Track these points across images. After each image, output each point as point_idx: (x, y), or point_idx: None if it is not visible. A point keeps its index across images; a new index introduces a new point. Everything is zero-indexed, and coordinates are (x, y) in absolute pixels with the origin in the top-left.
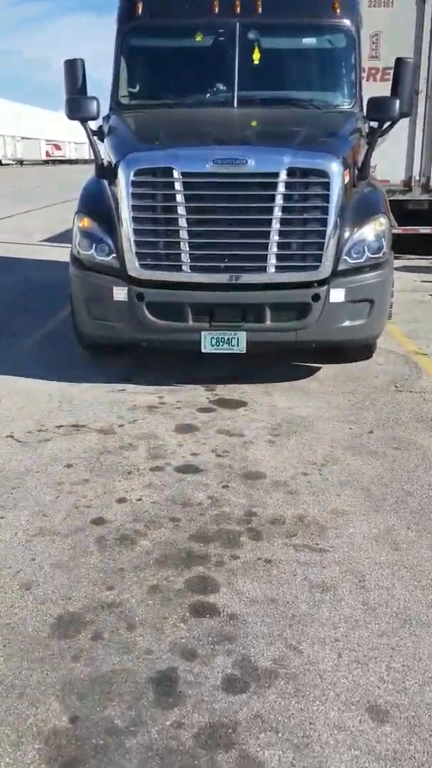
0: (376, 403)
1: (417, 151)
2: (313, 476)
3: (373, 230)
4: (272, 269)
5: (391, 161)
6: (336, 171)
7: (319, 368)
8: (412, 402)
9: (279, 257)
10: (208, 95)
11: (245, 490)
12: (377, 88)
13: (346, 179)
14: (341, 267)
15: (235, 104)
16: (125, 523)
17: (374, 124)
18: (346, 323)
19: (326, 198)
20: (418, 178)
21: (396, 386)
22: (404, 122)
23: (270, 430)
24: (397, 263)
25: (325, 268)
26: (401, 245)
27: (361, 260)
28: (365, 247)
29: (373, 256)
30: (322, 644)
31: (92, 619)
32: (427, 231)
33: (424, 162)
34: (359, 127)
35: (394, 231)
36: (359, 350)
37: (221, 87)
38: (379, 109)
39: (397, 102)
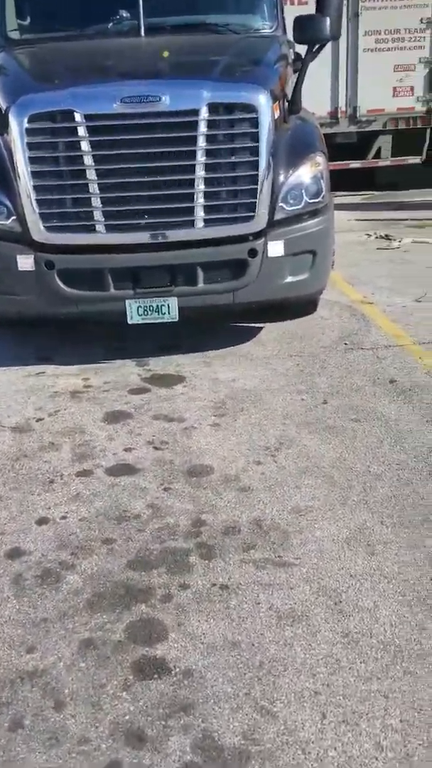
0: (326, 366)
1: (342, 79)
2: (268, 465)
3: (310, 171)
4: (200, 223)
5: (315, 92)
6: (264, 104)
7: (260, 329)
8: (365, 361)
9: (207, 209)
10: (111, 24)
11: (191, 491)
12: (295, 13)
13: (276, 114)
14: (278, 216)
15: (143, 33)
16: (48, 552)
17: (300, 49)
18: (288, 279)
19: (255, 136)
20: (344, 108)
21: (346, 343)
22: (327, 48)
23: (214, 410)
24: None
25: (261, 219)
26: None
27: (299, 207)
28: (303, 192)
29: (312, 201)
30: (300, 701)
31: (9, 699)
32: (357, 165)
33: (350, 91)
34: (285, 53)
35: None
36: (302, 306)
37: (125, 14)
38: (306, 29)
39: (327, 20)
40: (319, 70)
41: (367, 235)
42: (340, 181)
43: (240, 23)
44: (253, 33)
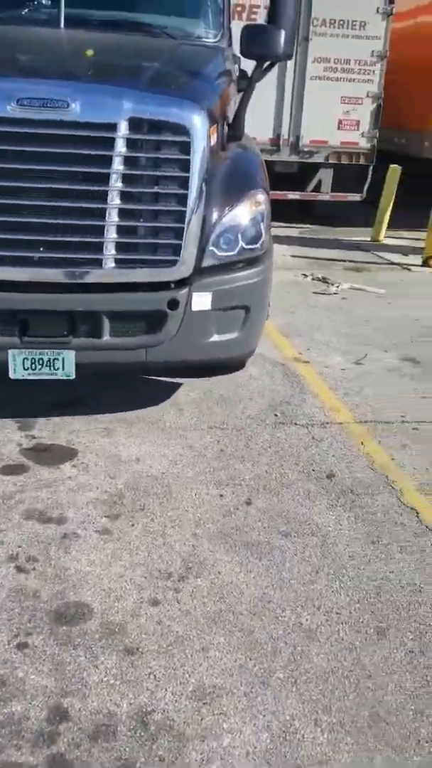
0: (252, 447)
1: (287, 105)
2: (167, 607)
3: (249, 211)
4: (110, 263)
5: (258, 116)
6: (199, 126)
7: (177, 386)
8: (298, 443)
9: (120, 247)
10: (25, 11)
11: (55, 652)
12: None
13: (213, 139)
14: (207, 262)
15: (62, 24)
16: None
17: (246, 65)
18: (214, 338)
19: (186, 165)
20: (287, 136)
21: (276, 415)
22: (274, 70)
23: (106, 508)
24: None
25: (186, 264)
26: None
27: (233, 253)
28: (239, 235)
29: (249, 246)
30: None
31: None
32: (296, 197)
33: (294, 119)
34: (229, 69)
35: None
36: (228, 369)
37: (43, 1)
38: (255, 42)
39: (281, 33)
40: (264, 92)
41: (304, 275)
42: (277, 210)
43: (179, 27)
44: (193, 41)
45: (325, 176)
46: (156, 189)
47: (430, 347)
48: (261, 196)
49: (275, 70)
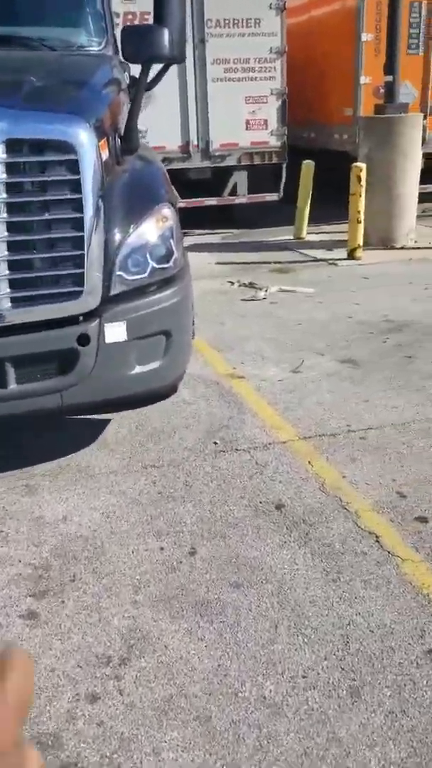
0: (192, 484)
1: (192, 111)
2: (108, 703)
3: (156, 228)
4: (5, 303)
5: (164, 124)
6: (87, 142)
7: (105, 422)
8: (241, 472)
9: (14, 283)
10: None
11: None
12: None
13: (105, 154)
14: (116, 289)
15: None
16: None
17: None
18: (136, 370)
19: (76, 185)
20: (196, 142)
21: (215, 442)
22: (173, 77)
23: (31, 585)
24: (185, 241)
25: (92, 294)
26: (187, 220)
27: (144, 275)
28: (147, 256)
29: (160, 266)
30: None
31: None
32: (213, 203)
33: (200, 124)
34: (116, 77)
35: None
36: (158, 398)
37: None
38: (137, 43)
39: (165, 32)
40: (167, 99)
41: (230, 282)
42: (197, 218)
43: (58, 38)
44: (75, 51)
45: (240, 179)
46: (47, 216)
47: (365, 345)
48: (167, 210)
49: (175, 75)
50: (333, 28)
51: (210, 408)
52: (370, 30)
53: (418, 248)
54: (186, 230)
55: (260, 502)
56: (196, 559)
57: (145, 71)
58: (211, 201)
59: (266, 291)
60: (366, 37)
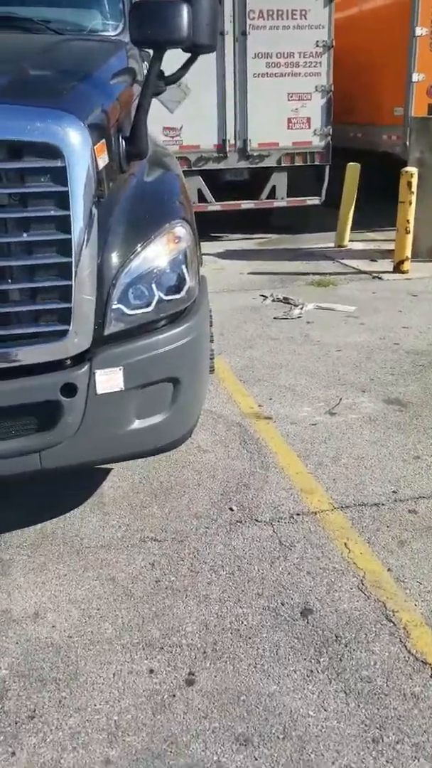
0: (198, 568)
1: (230, 108)
2: None
3: (167, 251)
4: None
5: (200, 121)
6: (78, 144)
7: (105, 472)
8: (260, 555)
9: None
10: None
11: None
12: None
13: (103, 159)
14: (112, 327)
15: None
16: None
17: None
18: (134, 425)
19: (63, 199)
20: (233, 141)
21: (232, 508)
22: (212, 71)
23: None
24: (218, 247)
25: (81, 333)
26: (221, 223)
27: (149, 309)
28: (153, 285)
29: (170, 297)
30: None
31: None
32: (250, 206)
33: (239, 122)
34: (130, 67)
35: (211, 208)
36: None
37: None
38: (149, 23)
39: (184, 11)
40: (203, 95)
41: (263, 296)
42: (232, 222)
43: (66, 20)
44: (85, 35)
45: (279, 181)
46: (25, 237)
47: (416, 382)
48: (181, 229)
49: (213, 69)
50: (384, 22)
51: (229, 459)
52: (425, 24)
53: None
54: (219, 234)
55: (282, 604)
56: (194, 691)
57: (157, 58)
58: (248, 204)
59: (302, 308)
60: (420, 31)
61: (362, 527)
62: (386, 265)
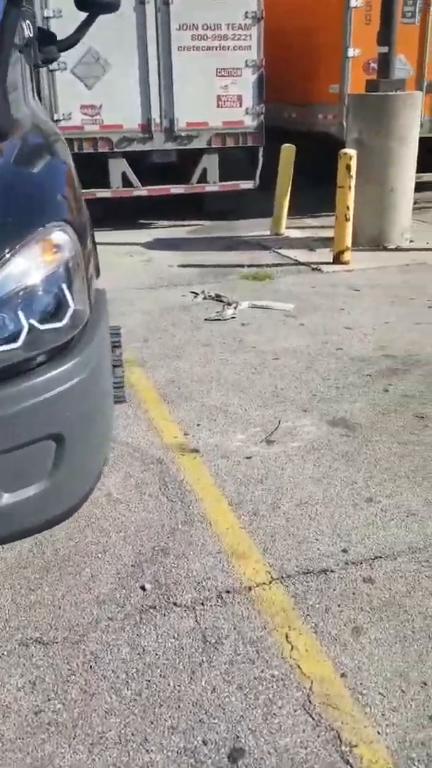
0: (94, 692)
1: (153, 84)
2: None
3: (39, 264)
4: None
5: (122, 99)
6: None
7: None
8: (178, 660)
9: None
10: None
11: None
12: None
13: None
14: None
15: None
16: None
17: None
18: (1, 500)
19: None
20: (159, 121)
21: (143, 587)
22: (132, 45)
23: None
24: (146, 236)
25: None
26: (150, 210)
27: (15, 344)
28: (19, 311)
29: (45, 326)
30: None
31: None
32: (180, 191)
33: (164, 99)
34: None
35: (137, 193)
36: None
37: None
38: None
39: None
40: (124, 72)
41: (194, 294)
42: (161, 208)
43: None
44: None
45: (210, 163)
46: None
47: (362, 396)
48: (61, 235)
49: (133, 42)
50: None
51: (145, 511)
52: None
53: (415, 249)
54: (148, 222)
55: (204, 742)
56: None
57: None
58: (178, 189)
59: (236, 308)
60: (356, 2)
61: (307, 607)
62: (325, 255)
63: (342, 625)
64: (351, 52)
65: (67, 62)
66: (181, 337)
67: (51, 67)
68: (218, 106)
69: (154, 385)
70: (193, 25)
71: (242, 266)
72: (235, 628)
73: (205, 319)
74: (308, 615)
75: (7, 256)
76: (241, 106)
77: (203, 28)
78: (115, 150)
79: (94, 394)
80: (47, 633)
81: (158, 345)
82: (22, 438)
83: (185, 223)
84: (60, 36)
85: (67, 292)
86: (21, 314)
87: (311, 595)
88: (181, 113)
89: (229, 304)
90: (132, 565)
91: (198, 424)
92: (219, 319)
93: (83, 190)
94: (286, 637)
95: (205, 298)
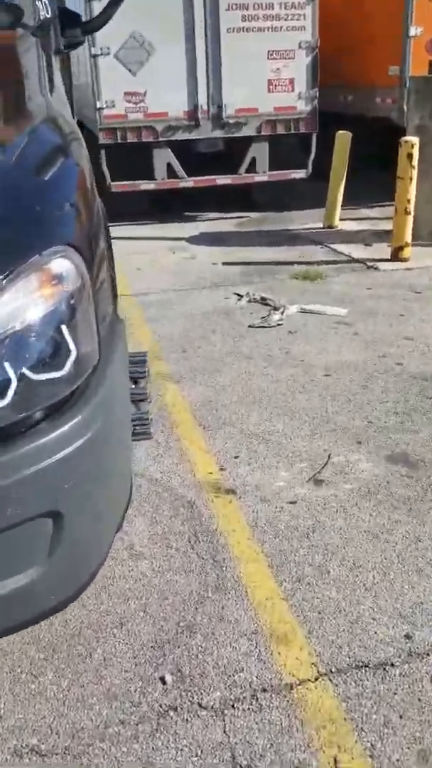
0: None
1: (201, 68)
2: None
3: (34, 300)
4: None
5: (167, 84)
6: None
7: None
8: None
9: None
10: None
11: None
12: None
13: None
14: None
15: None
16: None
17: None
18: None
19: None
20: (206, 107)
21: (164, 679)
22: (177, 25)
23: None
24: (191, 229)
25: None
26: (195, 201)
27: (2, 401)
28: (6, 359)
29: (40, 377)
30: None
31: None
32: (227, 182)
33: (212, 84)
34: None
35: (183, 184)
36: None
37: None
38: None
39: None
40: (171, 56)
41: (238, 296)
42: (207, 200)
43: None
44: None
45: (260, 152)
46: None
47: (428, 425)
48: (63, 264)
49: (179, 24)
50: None
51: (171, 570)
52: None
53: None
54: (193, 214)
55: None
56: None
57: None
58: (225, 179)
59: (283, 312)
60: None
61: (362, 718)
62: (383, 250)
63: (405, 746)
64: (412, 31)
65: (111, 47)
66: (222, 347)
67: (94, 52)
68: (269, 90)
69: (189, 405)
70: (244, 4)
71: (291, 264)
72: (272, 745)
73: (249, 326)
74: (362, 730)
75: None
76: (293, 90)
77: (254, 7)
78: (160, 139)
79: (103, 454)
80: (46, 739)
81: (197, 356)
82: (10, 519)
83: (232, 215)
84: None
85: (67, 333)
86: (8, 364)
87: (366, 700)
88: (229, 99)
89: (275, 308)
90: (152, 646)
91: (236, 457)
92: (264, 326)
93: (125, 182)
94: (335, 762)
95: (249, 301)
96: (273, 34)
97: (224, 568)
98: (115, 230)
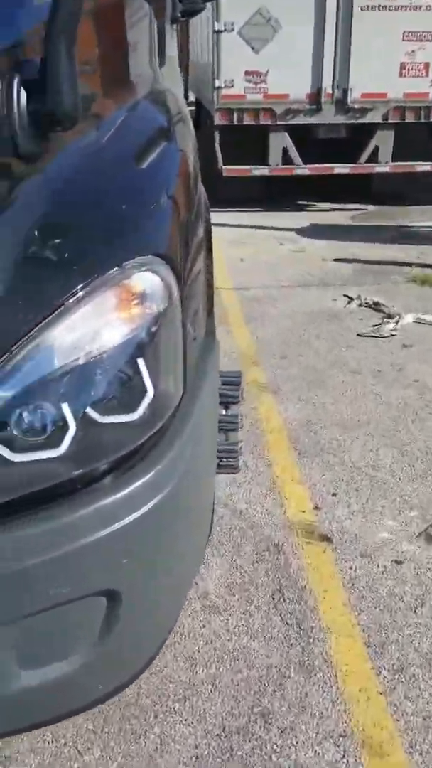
0: None
1: (328, 48)
2: None
3: (104, 322)
4: None
5: (291, 65)
6: None
7: None
8: None
9: None
10: None
11: None
12: None
13: None
14: None
15: None
16: None
17: None
18: (18, 682)
19: None
20: (330, 90)
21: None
22: (307, 2)
23: None
24: (302, 219)
25: None
26: (310, 189)
27: (56, 450)
28: (64, 399)
29: (106, 419)
30: None
31: None
32: (346, 171)
33: (339, 66)
34: None
35: (298, 172)
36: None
37: None
38: None
39: None
40: (297, 34)
41: (348, 299)
42: (322, 188)
43: None
44: None
45: (384, 140)
46: None
47: None
48: (151, 278)
49: (311, 8)
50: None
51: (249, 634)
52: None
53: None
54: (306, 203)
55: None
56: None
57: None
58: (343, 168)
59: (397, 322)
60: None
61: None
62: None
63: None
64: None
65: (236, 23)
66: (327, 356)
67: (217, 27)
68: (401, 75)
69: (284, 423)
70: None
71: (409, 265)
72: None
73: (358, 334)
74: None
75: (53, 314)
76: (427, 75)
77: None
78: (278, 123)
79: (179, 518)
80: None
81: (297, 365)
82: (55, 598)
83: (347, 207)
84: None
85: (144, 369)
86: (66, 405)
87: None
88: (356, 82)
89: (389, 316)
90: (217, 734)
91: (334, 494)
92: (375, 336)
93: (238, 167)
94: None
95: (360, 305)
96: (411, 13)
97: (312, 641)
98: (221, 216)
